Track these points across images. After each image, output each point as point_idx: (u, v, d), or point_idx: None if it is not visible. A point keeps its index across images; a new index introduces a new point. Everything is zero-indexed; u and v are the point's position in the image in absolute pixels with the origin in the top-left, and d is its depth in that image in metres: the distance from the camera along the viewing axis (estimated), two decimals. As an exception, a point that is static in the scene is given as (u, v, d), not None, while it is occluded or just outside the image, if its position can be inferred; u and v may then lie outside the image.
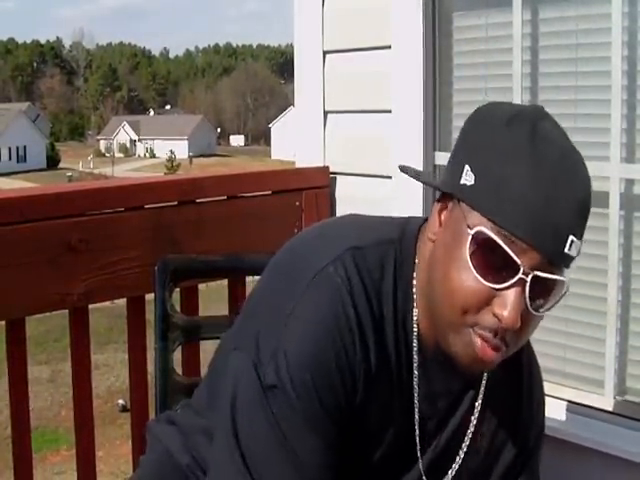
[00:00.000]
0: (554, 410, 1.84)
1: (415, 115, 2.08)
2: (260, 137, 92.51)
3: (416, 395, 1.09)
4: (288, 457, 1.01)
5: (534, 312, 0.97)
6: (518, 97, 1.91)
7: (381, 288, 1.05)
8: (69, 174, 51.26)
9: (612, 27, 1.74)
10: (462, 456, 1.14)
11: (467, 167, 0.96)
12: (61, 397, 11.98)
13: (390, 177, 2.15)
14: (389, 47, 2.12)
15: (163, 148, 65.69)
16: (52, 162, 60.09)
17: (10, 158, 56.26)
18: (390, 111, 2.14)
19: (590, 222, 1.00)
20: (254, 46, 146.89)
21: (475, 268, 0.95)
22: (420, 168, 2.08)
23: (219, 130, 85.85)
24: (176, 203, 1.93)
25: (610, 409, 1.82)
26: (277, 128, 70.20)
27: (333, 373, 1.00)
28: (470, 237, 0.95)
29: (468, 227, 0.95)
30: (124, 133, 73.87)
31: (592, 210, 1.01)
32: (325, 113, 2.32)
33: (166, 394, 1.49)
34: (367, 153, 2.24)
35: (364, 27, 2.20)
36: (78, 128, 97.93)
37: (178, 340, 1.57)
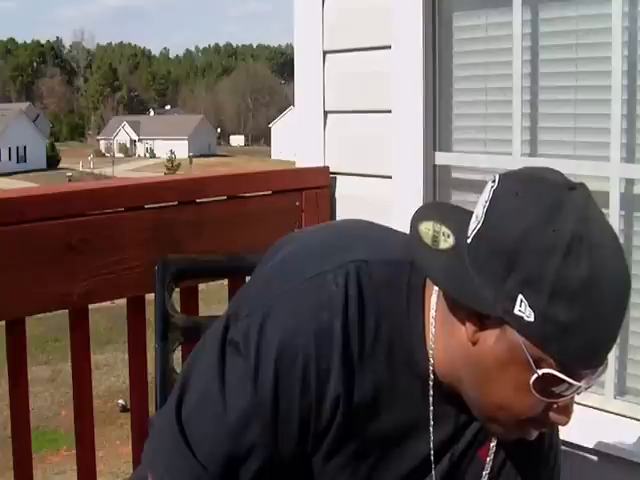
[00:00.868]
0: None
1: (415, 115, 2.08)
2: (260, 137, 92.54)
3: (431, 424, 1.06)
4: (217, 412, 1.00)
5: None
6: (518, 97, 1.91)
7: (383, 307, 1.01)
8: (69, 174, 51.27)
9: (612, 27, 1.74)
10: None
11: (521, 297, 0.90)
12: (61, 397, 11.97)
13: (390, 177, 2.15)
14: (389, 47, 2.12)
15: (163, 148, 65.72)
16: (52, 162, 60.08)
17: (10, 158, 56.25)
18: (390, 111, 2.14)
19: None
20: (254, 46, 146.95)
21: (538, 393, 0.94)
22: (420, 168, 2.08)
23: (219, 130, 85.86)
24: (176, 203, 1.93)
25: (610, 409, 1.82)
26: (277, 128, 70.22)
27: (295, 380, 0.98)
28: (536, 375, 0.92)
29: (533, 362, 0.92)
30: (124, 133, 73.89)
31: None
32: (325, 113, 2.32)
33: (166, 394, 1.49)
34: (367, 153, 2.24)
35: (364, 27, 2.20)
36: (78, 128, 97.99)
37: (178, 340, 1.57)
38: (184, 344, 1.63)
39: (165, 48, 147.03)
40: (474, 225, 0.95)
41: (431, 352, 1.02)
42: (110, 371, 13.15)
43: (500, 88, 2.00)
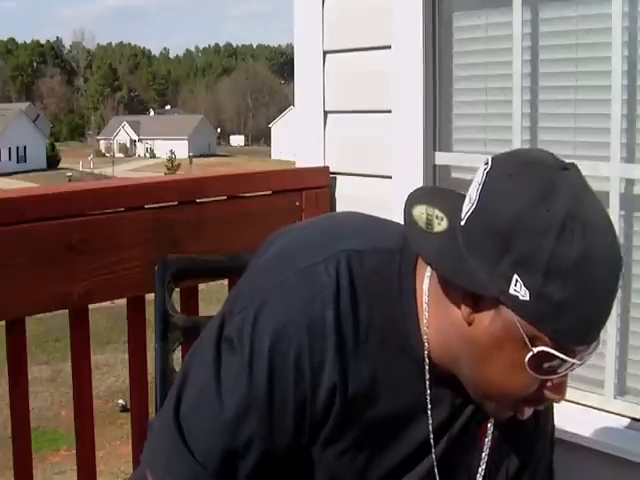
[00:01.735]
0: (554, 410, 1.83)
1: (415, 115, 2.08)
2: (260, 137, 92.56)
3: (429, 407, 1.06)
4: (214, 409, 1.01)
5: None
6: (518, 97, 1.91)
7: (375, 295, 1.02)
8: (69, 174, 51.28)
9: (612, 27, 1.74)
10: (484, 466, 1.13)
11: (516, 277, 0.91)
12: (61, 397, 11.97)
13: (390, 177, 2.15)
14: (389, 47, 2.12)
15: (163, 148, 65.72)
16: (52, 162, 60.09)
17: (10, 158, 56.26)
18: (390, 111, 2.14)
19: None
20: (254, 46, 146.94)
21: (533, 371, 0.94)
22: (421, 168, 2.08)
23: (219, 130, 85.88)
24: (176, 203, 1.93)
25: (610, 409, 1.82)
26: (277, 128, 70.23)
27: (289, 370, 0.99)
28: (531, 353, 0.93)
29: (529, 340, 0.93)
30: (124, 133, 73.90)
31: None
32: (325, 113, 2.32)
33: (166, 394, 1.49)
34: (367, 153, 2.24)
35: (364, 27, 2.20)
36: (78, 128, 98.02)
37: (178, 340, 1.57)
38: (184, 344, 1.63)
39: (165, 48, 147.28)
40: (468, 207, 0.96)
41: (425, 336, 1.03)
42: (110, 371, 13.15)
43: (500, 88, 2.00)
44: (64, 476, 9.18)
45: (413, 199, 1.05)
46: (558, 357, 0.93)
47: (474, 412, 1.10)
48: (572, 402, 1.87)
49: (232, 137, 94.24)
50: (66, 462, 9.17)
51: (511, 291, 0.92)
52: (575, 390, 1.88)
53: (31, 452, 1.72)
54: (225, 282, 1.98)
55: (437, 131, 2.11)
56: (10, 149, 56.05)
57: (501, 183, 0.94)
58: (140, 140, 73.07)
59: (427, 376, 1.04)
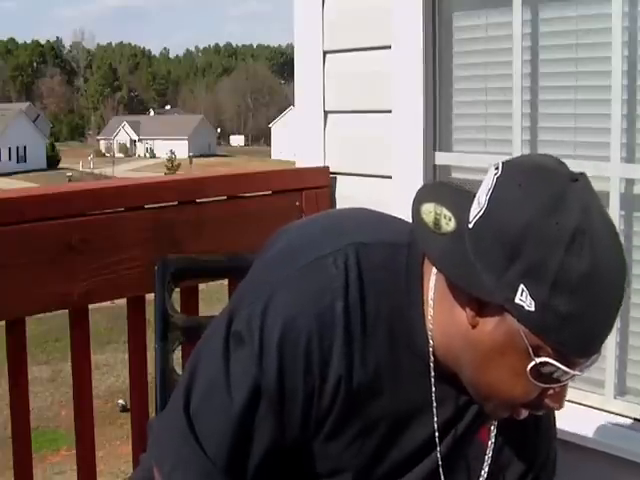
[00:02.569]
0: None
1: (415, 115, 2.08)
2: (260, 137, 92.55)
3: (434, 404, 1.07)
4: (224, 402, 1.02)
5: None
6: (518, 97, 1.91)
7: (382, 289, 1.03)
8: (69, 174, 51.27)
9: (612, 27, 1.74)
10: (487, 469, 1.13)
11: (522, 287, 0.91)
12: (61, 397, 11.97)
13: (390, 177, 2.15)
14: (389, 47, 2.12)
15: (163, 148, 65.72)
16: (52, 162, 60.07)
17: (10, 158, 56.24)
18: (390, 111, 2.14)
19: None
20: (254, 46, 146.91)
21: (534, 379, 0.95)
22: (421, 168, 2.08)
23: (219, 130, 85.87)
24: (176, 203, 1.93)
25: (610, 409, 1.82)
26: (277, 128, 70.22)
27: (299, 360, 0.99)
28: (533, 362, 0.94)
29: (532, 350, 0.93)
30: (124, 133, 73.90)
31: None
32: (325, 113, 2.32)
33: (166, 394, 1.49)
34: (367, 153, 2.24)
35: (364, 27, 2.20)
36: (78, 128, 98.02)
37: (178, 340, 1.57)
38: (184, 344, 1.63)
39: (165, 48, 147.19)
40: (476, 211, 0.96)
41: (430, 333, 1.03)
42: (110, 371, 13.15)
43: (500, 88, 2.00)
44: (64, 476, 9.18)
45: (421, 196, 1.04)
46: (560, 368, 0.93)
47: (478, 413, 1.10)
48: (572, 402, 1.87)
49: (232, 137, 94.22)
50: (66, 462, 9.16)
51: (517, 300, 0.91)
52: (575, 390, 1.88)
53: (31, 452, 1.72)
54: (225, 282, 1.99)
55: (437, 131, 2.11)
56: (10, 149, 56.03)
57: (511, 191, 0.94)
58: (140, 140, 73.06)
59: (432, 373, 1.04)
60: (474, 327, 0.97)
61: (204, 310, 1.89)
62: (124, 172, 53.80)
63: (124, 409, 11.28)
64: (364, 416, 1.04)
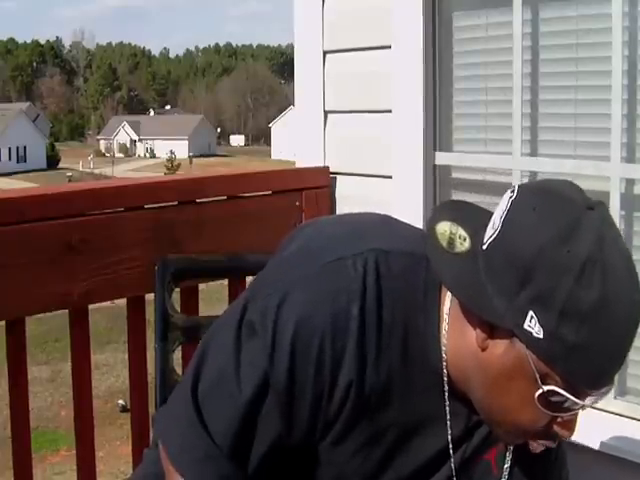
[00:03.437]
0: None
1: (415, 115, 2.08)
2: (260, 137, 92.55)
3: (448, 417, 1.06)
4: (232, 391, 1.02)
5: None
6: (518, 97, 1.91)
7: (399, 297, 1.02)
8: (69, 174, 51.25)
9: (612, 27, 1.74)
10: None
11: (532, 313, 0.90)
12: (61, 397, 11.96)
13: (390, 177, 2.15)
14: (389, 47, 2.12)
15: (163, 148, 65.71)
16: (52, 162, 60.06)
17: (10, 158, 56.23)
18: (390, 111, 2.14)
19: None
20: (254, 46, 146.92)
21: (543, 407, 0.94)
22: (421, 168, 2.08)
23: (219, 130, 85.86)
24: (176, 203, 1.93)
25: (611, 409, 1.82)
26: (277, 128, 70.22)
27: (310, 360, 0.99)
28: (540, 390, 0.93)
29: (540, 377, 0.92)
30: (124, 133, 73.89)
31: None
32: (325, 113, 2.32)
33: (166, 394, 1.49)
34: (367, 153, 2.24)
35: (364, 27, 2.20)
36: (78, 128, 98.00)
37: (178, 340, 1.57)
38: (184, 344, 1.63)
39: (165, 48, 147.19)
40: (490, 233, 0.95)
41: (444, 348, 1.02)
42: (110, 371, 13.15)
43: (500, 88, 2.00)
44: (64, 476, 9.17)
45: (437, 214, 1.03)
46: (568, 398, 0.92)
47: (487, 434, 1.10)
48: (572, 402, 1.87)
49: (232, 137, 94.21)
50: (66, 462, 9.16)
51: (525, 326, 0.91)
52: (575, 390, 1.88)
53: (31, 452, 1.72)
54: (225, 282, 1.99)
55: (437, 131, 2.11)
56: (10, 149, 56.02)
57: (525, 215, 0.93)
58: (140, 140, 73.05)
59: (446, 387, 1.03)
60: (484, 350, 0.96)
61: (204, 310, 1.89)
62: (124, 172, 53.79)
63: (124, 409, 11.28)
64: (373, 423, 1.04)
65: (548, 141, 1.93)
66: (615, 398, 1.81)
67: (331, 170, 2.30)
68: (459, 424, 1.08)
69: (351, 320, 0.99)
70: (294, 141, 2.48)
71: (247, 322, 1.03)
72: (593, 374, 0.92)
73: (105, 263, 1.76)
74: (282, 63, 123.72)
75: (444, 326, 1.01)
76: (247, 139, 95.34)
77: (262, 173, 2.37)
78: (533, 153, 1.95)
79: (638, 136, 1.78)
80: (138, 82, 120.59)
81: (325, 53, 2.29)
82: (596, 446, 1.76)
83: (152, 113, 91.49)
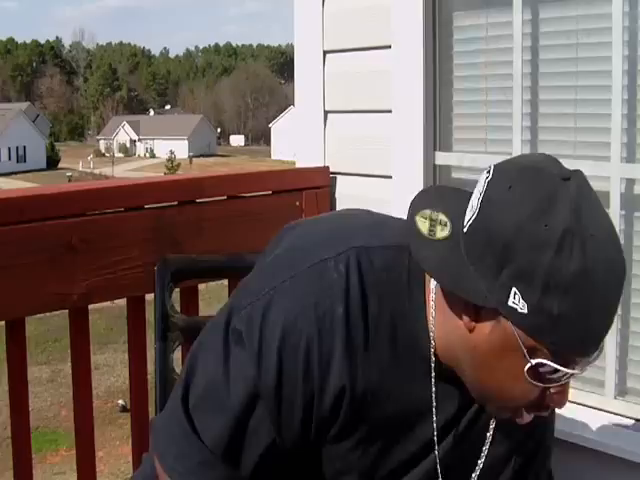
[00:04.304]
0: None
1: (415, 115, 2.08)
2: (260, 137, 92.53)
3: (434, 404, 1.07)
4: (222, 400, 1.02)
5: None
6: (518, 97, 1.91)
7: (384, 293, 1.03)
8: (69, 174, 51.24)
9: (612, 27, 1.74)
10: (481, 465, 1.13)
11: (514, 290, 0.91)
12: (61, 397, 11.96)
13: (390, 177, 2.15)
14: (389, 47, 2.12)
15: (163, 148, 65.71)
16: (52, 162, 60.06)
17: (10, 158, 56.23)
18: (390, 111, 2.14)
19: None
20: (254, 46, 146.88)
21: (533, 380, 0.95)
22: (421, 168, 2.08)
23: (219, 130, 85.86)
24: (176, 203, 1.93)
25: (610, 409, 1.82)
26: (277, 128, 70.21)
27: (298, 365, 0.99)
28: (529, 364, 0.94)
29: (527, 351, 0.93)
30: (124, 133, 73.87)
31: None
32: (325, 113, 2.32)
33: (166, 394, 1.49)
34: (367, 153, 2.24)
35: (364, 27, 2.20)
36: (78, 128, 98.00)
37: (178, 340, 1.57)
38: (184, 344, 1.63)
39: (165, 48, 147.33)
40: (469, 215, 0.96)
41: (432, 334, 1.03)
42: (110, 371, 13.15)
43: (500, 88, 1.99)
44: (64, 476, 9.18)
45: (417, 203, 1.03)
46: (557, 369, 0.93)
47: (479, 411, 1.10)
48: (572, 402, 1.87)
49: (232, 137, 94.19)
50: (66, 462, 9.17)
51: (510, 303, 0.92)
52: (575, 390, 1.88)
53: (31, 452, 1.72)
54: (225, 282, 1.99)
55: (437, 131, 2.11)
56: (10, 149, 56.01)
57: (501, 194, 0.94)
58: (140, 140, 73.03)
59: (433, 373, 1.05)
60: (471, 331, 0.97)
61: (204, 310, 1.90)
62: (124, 172, 53.78)
63: (124, 409, 11.27)
64: (369, 421, 1.05)
65: (548, 141, 1.93)
66: (615, 398, 1.82)
67: (331, 170, 2.30)
68: (450, 406, 1.08)
69: (336, 321, 1.00)
70: (294, 141, 2.48)
71: (233, 331, 1.03)
72: (580, 342, 0.93)
73: (105, 263, 1.76)
74: (282, 63, 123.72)
75: (431, 312, 1.02)
76: (247, 139, 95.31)
77: (262, 173, 2.37)
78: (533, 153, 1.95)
79: (638, 136, 1.78)
80: (138, 82, 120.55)
81: (325, 53, 2.29)
82: (596, 446, 1.76)
83: (152, 113, 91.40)
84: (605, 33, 1.76)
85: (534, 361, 0.93)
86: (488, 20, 2.03)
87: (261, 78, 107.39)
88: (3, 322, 1.66)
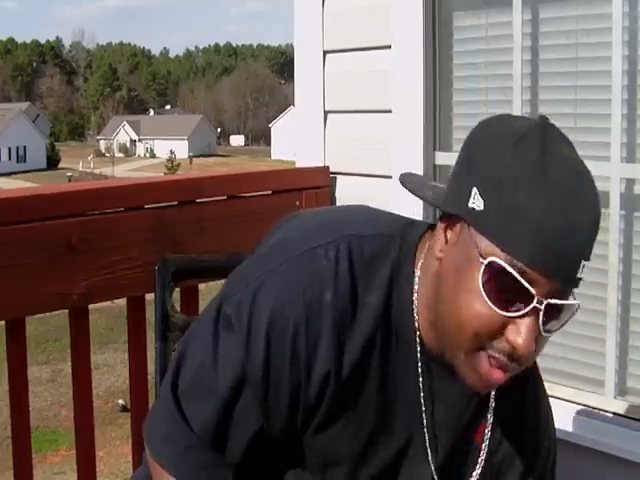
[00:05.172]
0: (554, 410, 1.83)
1: (415, 115, 2.08)
2: (260, 137, 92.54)
3: (422, 395, 1.06)
4: (210, 384, 1.03)
5: (546, 334, 0.95)
6: (518, 97, 1.91)
7: (374, 279, 1.03)
8: (69, 174, 51.24)
9: (612, 27, 1.74)
10: (479, 470, 1.11)
11: (475, 190, 0.93)
12: (61, 397, 11.96)
13: (390, 177, 2.15)
14: (389, 47, 2.12)
15: (163, 148, 65.70)
16: (52, 162, 60.05)
17: (10, 158, 56.22)
18: (390, 111, 2.14)
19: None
20: (254, 46, 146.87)
21: (488, 297, 0.92)
22: (421, 168, 2.08)
23: (219, 130, 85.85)
24: (176, 203, 1.93)
25: (610, 409, 1.82)
26: (277, 128, 70.21)
27: (285, 349, 1.00)
28: (483, 267, 0.92)
29: (480, 255, 0.92)
30: (124, 133, 73.87)
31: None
32: (325, 113, 2.32)
33: (166, 394, 1.49)
34: (367, 153, 2.24)
35: (364, 27, 2.20)
36: (78, 128, 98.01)
37: (178, 340, 1.57)
38: (184, 344, 1.63)
39: (165, 48, 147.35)
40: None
41: (416, 316, 1.03)
42: (110, 371, 13.15)
43: (500, 88, 2.00)
44: (64, 476, 9.18)
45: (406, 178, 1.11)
46: (510, 273, 0.90)
47: (473, 416, 1.10)
48: (572, 402, 1.87)
49: (232, 137, 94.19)
50: (66, 462, 9.16)
51: (470, 204, 0.94)
52: (575, 390, 1.88)
53: (31, 452, 1.72)
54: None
55: (437, 131, 2.11)
56: (10, 149, 56.01)
57: (481, 130, 1.05)
58: (140, 140, 73.03)
59: (418, 348, 1.04)
60: (440, 260, 0.99)
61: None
62: (124, 172, 53.77)
63: (124, 409, 11.28)
64: (354, 408, 1.04)
65: (548, 141, 1.93)
66: (615, 398, 1.82)
67: (331, 170, 2.30)
68: (441, 405, 1.07)
69: (323, 307, 1.00)
70: (294, 141, 2.48)
71: (223, 316, 1.04)
72: (532, 246, 0.90)
73: (105, 263, 1.76)
74: (282, 63, 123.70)
75: (415, 287, 1.03)
76: (247, 139, 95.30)
77: (262, 173, 2.37)
78: (533, 153, 1.95)
79: (638, 136, 1.78)
80: (138, 82, 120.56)
81: (325, 53, 2.30)
82: (596, 446, 1.76)
83: (152, 113, 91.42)
84: (605, 33, 1.76)
85: (487, 260, 0.91)
86: (488, 20, 2.03)
87: (261, 78, 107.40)
88: (3, 322, 1.66)
